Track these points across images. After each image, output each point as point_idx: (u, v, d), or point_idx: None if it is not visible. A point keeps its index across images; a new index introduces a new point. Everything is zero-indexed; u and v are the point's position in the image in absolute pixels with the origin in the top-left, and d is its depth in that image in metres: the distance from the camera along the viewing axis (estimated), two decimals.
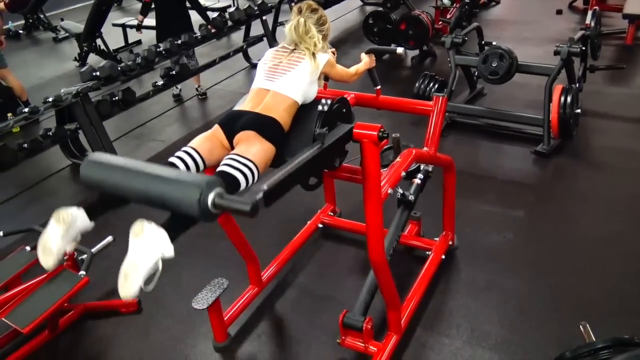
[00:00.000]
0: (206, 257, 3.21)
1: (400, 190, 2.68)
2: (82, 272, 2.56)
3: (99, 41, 6.84)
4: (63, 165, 4.53)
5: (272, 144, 1.98)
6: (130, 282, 1.53)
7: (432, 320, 2.66)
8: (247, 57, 6.43)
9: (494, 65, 4.03)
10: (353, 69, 2.47)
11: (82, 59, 6.89)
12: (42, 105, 3.90)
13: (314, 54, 2.13)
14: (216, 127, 2.07)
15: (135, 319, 2.84)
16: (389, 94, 2.76)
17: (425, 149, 2.50)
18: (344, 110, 2.01)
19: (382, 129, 1.82)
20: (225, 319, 2.61)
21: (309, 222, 3.29)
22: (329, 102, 1.94)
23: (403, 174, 2.12)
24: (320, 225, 3.32)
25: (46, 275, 2.66)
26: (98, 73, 4.25)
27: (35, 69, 7.12)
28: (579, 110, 3.92)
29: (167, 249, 1.58)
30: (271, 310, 2.82)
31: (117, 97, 4.49)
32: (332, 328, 2.48)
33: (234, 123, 2.03)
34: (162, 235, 1.59)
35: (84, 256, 2.80)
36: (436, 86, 4.40)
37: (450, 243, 3.05)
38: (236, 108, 2.17)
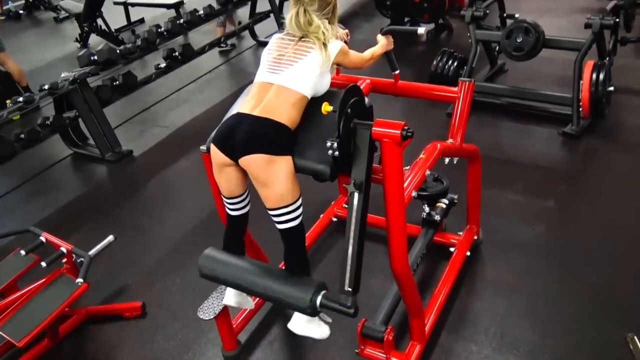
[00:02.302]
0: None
1: (427, 209, 2.63)
2: (80, 280, 2.38)
3: (100, 21, 6.58)
4: (65, 154, 4.35)
5: (285, 154, 1.82)
6: None
7: (457, 324, 2.46)
8: (253, 34, 6.15)
9: (518, 41, 3.73)
10: (368, 53, 2.22)
11: (83, 40, 6.66)
12: (37, 93, 3.70)
13: (324, 44, 1.88)
14: (212, 149, 1.92)
15: (140, 323, 2.68)
16: (403, 74, 2.51)
17: (450, 140, 2.26)
18: (358, 109, 1.76)
19: (405, 127, 1.59)
20: (235, 325, 2.43)
21: (321, 216, 3.08)
22: (334, 144, 1.70)
23: (414, 194, 1.96)
24: (335, 219, 3.11)
25: (43, 281, 2.50)
26: (96, 57, 4.02)
27: (37, 51, 6.91)
28: (611, 88, 3.62)
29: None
30: (283, 314, 2.63)
31: (117, 82, 4.27)
32: (351, 331, 2.28)
33: (232, 141, 1.84)
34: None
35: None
36: (455, 64, 4.11)
37: (475, 237, 2.83)
38: (235, 109, 1.95)
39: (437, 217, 2.66)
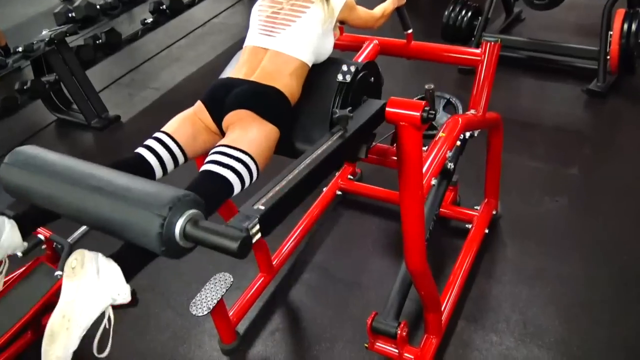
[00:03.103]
0: None
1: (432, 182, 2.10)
2: (59, 273, 2.15)
3: None
4: (48, 120, 4.05)
5: (275, 125, 1.47)
6: (58, 345, 1.02)
7: (475, 312, 2.25)
8: None
9: None
10: (379, 9, 1.89)
11: None
12: (11, 57, 3.37)
13: None
14: (198, 104, 1.56)
15: (131, 313, 2.46)
16: (412, 28, 2.14)
17: (471, 111, 1.97)
18: (372, 78, 1.46)
19: (427, 107, 1.30)
20: (231, 315, 2.22)
21: (325, 190, 2.82)
22: (352, 68, 1.37)
23: (434, 181, 1.55)
24: (339, 193, 2.85)
25: (22, 271, 2.28)
26: (74, 14, 3.66)
27: (20, 5, 6.46)
28: None
29: (122, 291, 1.05)
30: (285, 302, 2.42)
31: (100, 41, 3.92)
32: (359, 320, 2.09)
33: (222, 98, 1.51)
34: (114, 271, 1.05)
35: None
36: (469, 14, 3.73)
37: (494, 212, 2.58)
38: (225, 74, 1.64)
39: (450, 165, 2.08)
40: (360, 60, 1.94)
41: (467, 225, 2.52)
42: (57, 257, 2.34)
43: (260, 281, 2.37)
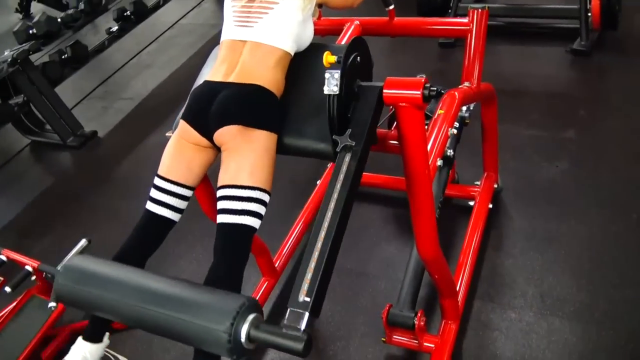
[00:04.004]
0: (207, 244, 2.68)
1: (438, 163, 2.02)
2: (52, 304, 2.04)
3: None
4: (22, 145, 3.88)
5: (269, 130, 1.39)
6: None
7: (490, 289, 2.18)
8: None
9: None
10: None
11: (23, 9, 5.98)
12: None
13: None
14: (182, 125, 1.47)
15: (133, 335, 2.35)
16: (377, 6, 2.04)
17: (465, 84, 1.88)
18: (359, 58, 1.34)
19: (427, 84, 1.20)
20: None
21: (319, 183, 2.72)
22: (336, 75, 1.22)
23: (439, 162, 1.46)
24: None
25: (13, 307, 2.16)
26: (35, 30, 3.49)
27: None
28: None
29: None
30: None
31: (66, 55, 3.76)
32: (371, 313, 2.01)
33: (205, 111, 1.42)
34: None
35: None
36: None
37: (495, 186, 2.50)
38: (203, 76, 1.53)
39: (450, 152, 2.07)
40: (343, 42, 1.84)
41: (469, 203, 2.44)
42: (49, 287, 2.22)
43: (264, 286, 2.27)
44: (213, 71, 1.50)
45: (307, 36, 1.55)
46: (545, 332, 1.98)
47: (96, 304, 1.10)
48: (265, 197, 1.36)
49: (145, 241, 1.49)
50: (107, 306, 1.09)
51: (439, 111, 1.57)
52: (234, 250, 1.35)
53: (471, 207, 2.41)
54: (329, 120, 1.27)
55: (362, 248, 2.48)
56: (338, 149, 1.24)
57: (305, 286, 1.07)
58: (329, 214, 1.15)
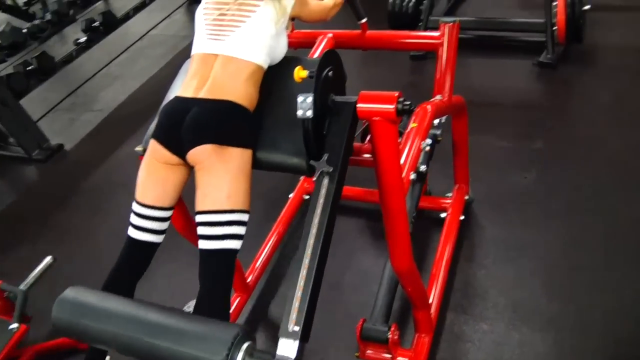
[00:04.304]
0: (180, 259, 2.63)
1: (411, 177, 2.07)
2: (14, 326, 1.96)
3: None
4: None
5: (243, 147, 1.38)
6: None
7: (462, 301, 2.18)
8: None
9: None
10: None
11: None
12: None
13: None
14: (152, 144, 1.44)
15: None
16: (350, 19, 2.06)
17: (437, 97, 1.89)
18: (331, 72, 1.33)
19: (401, 98, 1.20)
20: None
21: (291, 196, 2.70)
22: (308, 99, 1.21)
23: (413, 175, 1.51)
24: (307, 197, 2.74)
25: None
26: None
27: None
28: (588, 6, 3.29)
29: None
30: (266, 319, 2.29)
31: (32, 66, 3.66)
32: (348, 326, 1.99)
33: (177, 129, 1.39)
34: None
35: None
36: None
37: (466, 197, 2.52)
38: (174, 91, 1.51)
39: (423, 167, 2.22)
40: (316, 55, 1.83)
41: (441, 215, 2.45)
42: (11, 307, 2.13)
43: (237, 301, 2.23)
44: (184, 86, 1.47)
45: (281, 49, 1.54)
46: (517, 343, 1.99)
47: (93, 337, 1.13)
48: (245, 217, 1.38)
49: (132, 266, 1.49)
50: (104, 338, 1.10)
51: (411, 124, 1.57)
52: (219, 275, 1.37)
53: (443, 219, 2.42)
54: (305, 142, 1.28)
55: (336, 261, 2.46)
56: (314, 178, 1.25)
57: (293, 316, 1.10)
58: (311, 241, 1.17)
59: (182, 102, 1.43)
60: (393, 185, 1.34)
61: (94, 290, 1.21)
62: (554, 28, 3.32)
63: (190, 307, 1.85)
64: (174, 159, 1.43)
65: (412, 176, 1.45)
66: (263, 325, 2.28)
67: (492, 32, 3.71)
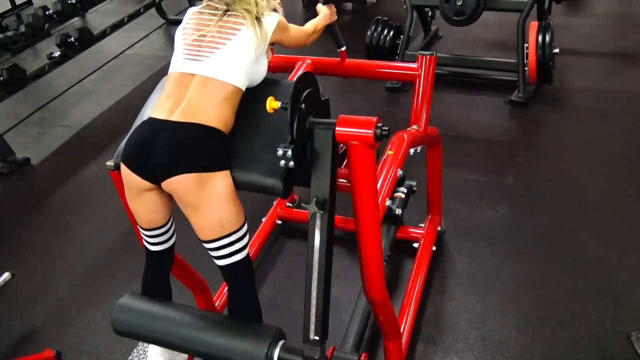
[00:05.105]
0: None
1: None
2: None
3: None
4: None
5: (223, 169, 1.39)
6: None
7: (433, 333, 2.17)
8: (161, 12, 5.49)
9: (459, 4, 3.42)
10: (310, 25, 1.81)
11: None
12: None
13: (258, 18, 1.45)
14: (125, 173, 1.45)
15: None
16: (333, 50, 2.11)
17: (414, 127, 1.91)
18: (311, 91, 1.33)
19: (379, 123, 1.21)
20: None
21: (263, 220, 2.67)
22: (288, 153, 1.24)
23: (388, 202, 1.60)
24: (279, 222, 2.71)
25: None
26: None
27: None
28: (557, 50, 3.42)
29: None
30: None
31: (1, 78, 3.57)
32: None
33: (147, 154, 1.38)
34: None
35: None
36: (391, 33, 3.78)
37: (439, 228, 2.54)
38: (147, 110, 1.49)
39: (398, 211, 2.34)
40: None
41: (414, 245, 2.45)
42: None
43: None
44: (158, 105, 1.45)
45: (260, 73, 1.54)
46: None
47: (153, 337, 1.49)
48: (244, 230, 1.48)
49: (159, 268, 1.68)
50: (163, 339, 1.46)
51: (388, 152, 1.58)
52: (241, 283, 1.56)
53: (416, 249, 2.42)
54: (288, 174, 1.37)
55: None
56: (311, 210, 1.30)
57: (312, 327, 1.33)
58: (314, 275, 1.33)
59: (152, 126, 1.41)
60: (369, 210, 1.33)
61: (147, 297, 1.56)
62: (526, 68, 3.43)
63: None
64: (147, 184, 1.42)
65: (388, 202, 1.45)
66: None
67: (466, 69, 3.81)
